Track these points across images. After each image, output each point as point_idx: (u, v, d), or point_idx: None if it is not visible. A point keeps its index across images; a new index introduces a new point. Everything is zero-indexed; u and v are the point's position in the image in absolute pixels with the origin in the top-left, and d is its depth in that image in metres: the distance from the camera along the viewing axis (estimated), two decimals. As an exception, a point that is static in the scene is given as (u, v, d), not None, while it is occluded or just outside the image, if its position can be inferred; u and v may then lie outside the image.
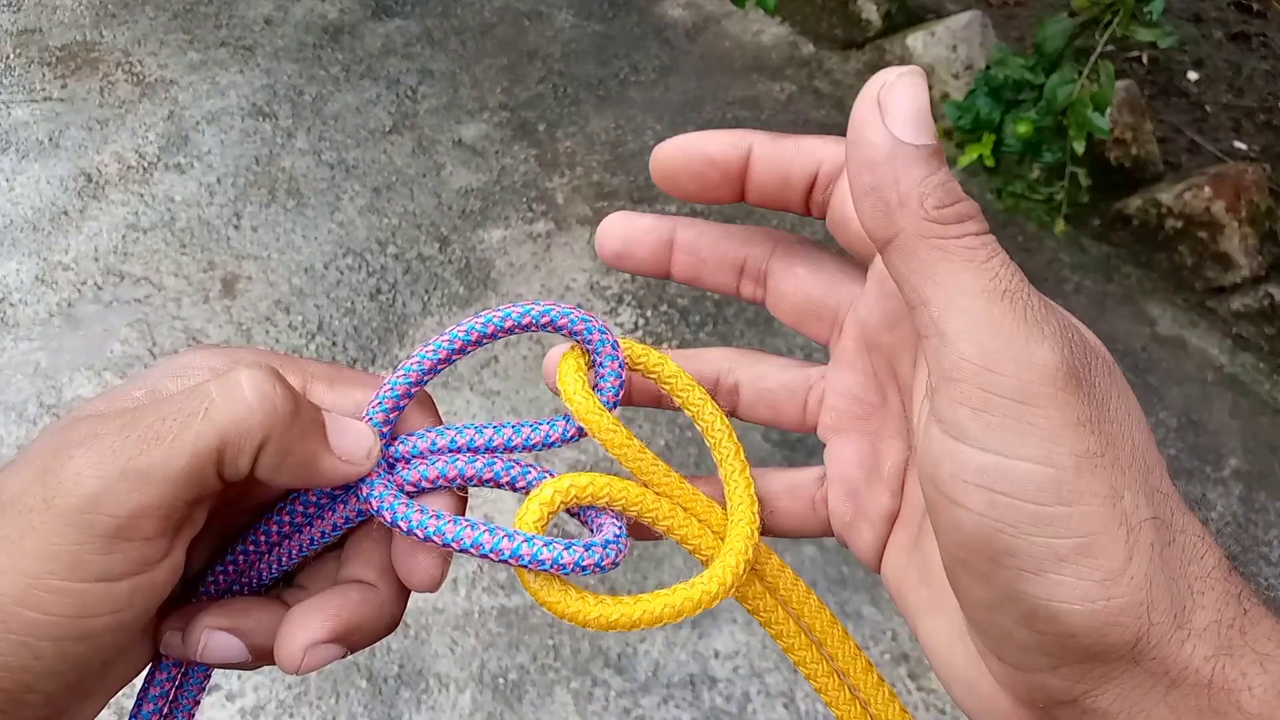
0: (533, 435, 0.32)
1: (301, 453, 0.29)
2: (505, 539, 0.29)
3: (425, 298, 1.73)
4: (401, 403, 0.32)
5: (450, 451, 0.32)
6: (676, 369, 0.33)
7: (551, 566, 0.29)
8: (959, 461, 0.25)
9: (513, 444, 0.32)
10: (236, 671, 1.29)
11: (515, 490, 0.32)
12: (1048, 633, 0.24)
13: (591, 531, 0.32)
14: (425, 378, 0.32)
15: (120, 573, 0.26)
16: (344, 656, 0.31)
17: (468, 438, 0.32)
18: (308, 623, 0.30)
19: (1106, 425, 0.25)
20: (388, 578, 0.32)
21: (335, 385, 0.32)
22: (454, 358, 0.32)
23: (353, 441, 0.30)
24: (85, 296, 1.71)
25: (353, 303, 1.72)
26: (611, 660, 1.32)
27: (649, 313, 1.72)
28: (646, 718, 1.27)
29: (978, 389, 0.24)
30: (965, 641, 0.29)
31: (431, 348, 0.32)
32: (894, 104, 0.26)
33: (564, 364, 0.32)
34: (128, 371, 1.60)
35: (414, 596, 1.21)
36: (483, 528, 0.30)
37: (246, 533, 0.32)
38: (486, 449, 0.32)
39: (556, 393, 0.32)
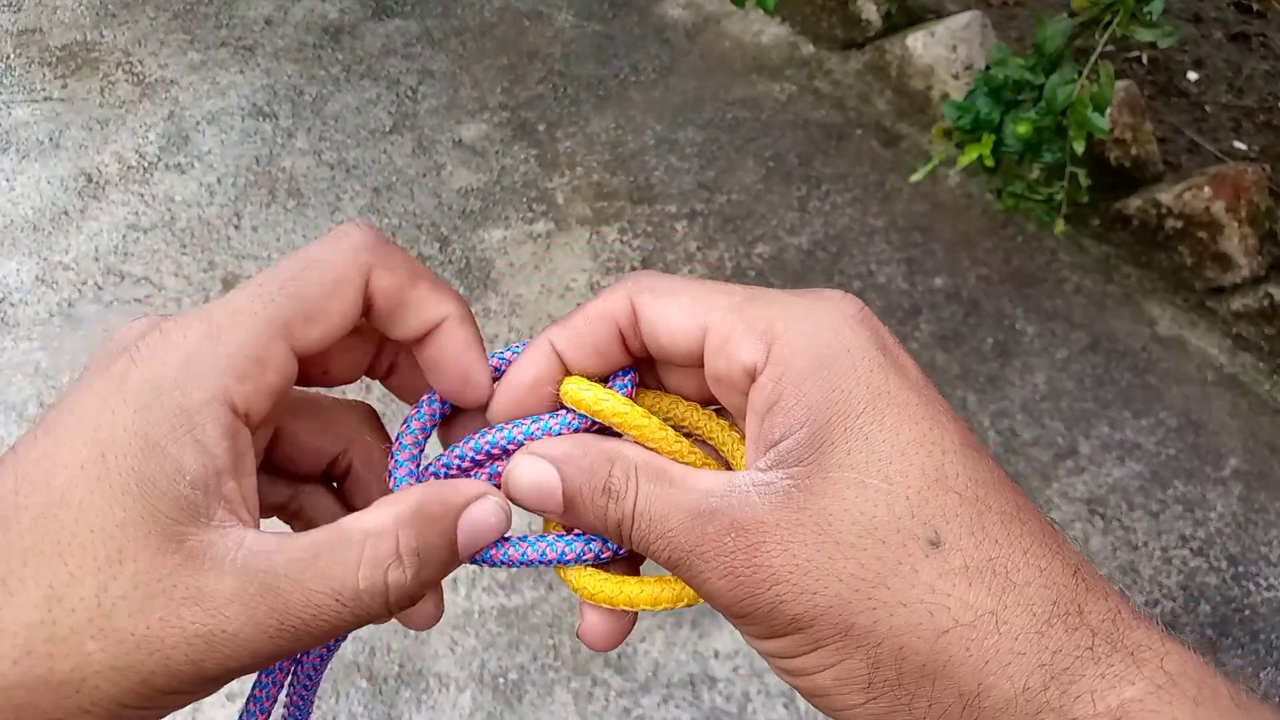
0: (542, 428, 0.33)
1: (428, 584, 0.31)
2: (544, 545, 0.33)
3: (425, 298, 1.73)
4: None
5: (480, 458, 0.33)
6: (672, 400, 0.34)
7: (583, 557, 0.32)
8: (752, 631, 0.29)
9: (522, 439, 0.33)
10: (237, 671, 1.29)
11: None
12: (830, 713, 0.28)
13: None
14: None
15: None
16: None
17: (488, 439, 0.33)
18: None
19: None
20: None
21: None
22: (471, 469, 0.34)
23: (484, 535, 0.33)
24: (85, 296, 1.71)
25: (353, 303, 1.72)
26: (611, 660, 1.32)
27: (649, 313, 1.72)
28: (646, 717, 1.27)
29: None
30: None
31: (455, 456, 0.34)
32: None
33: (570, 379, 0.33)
34: (128, 371, 1.60)
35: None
36: (515, 542, 0.33)
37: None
38: (505, 447, 0.33)
39: (571, 404, 0.33)
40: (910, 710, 0.26)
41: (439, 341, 0.32)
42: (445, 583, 1.37)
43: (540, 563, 0.33)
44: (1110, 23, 1.39)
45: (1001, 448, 1.58)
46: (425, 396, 0.34)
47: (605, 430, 0.33)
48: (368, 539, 0.28)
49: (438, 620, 0.33)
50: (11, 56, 2.14)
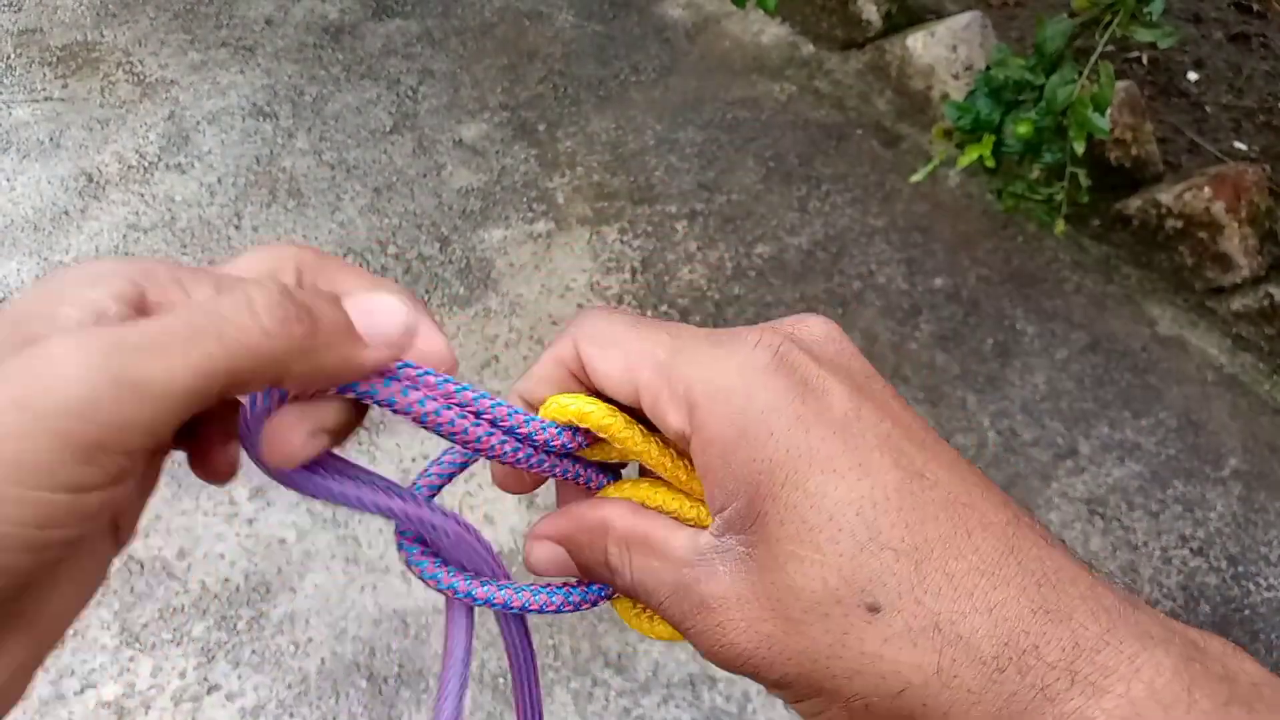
0: (538, 431, 0.32)
1: (333, 361, 0.27)
2: (530, 594, 0.33)
3: (425, 297, 1.73)
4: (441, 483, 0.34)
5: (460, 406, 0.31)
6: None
7: (592, 604, 0.33)
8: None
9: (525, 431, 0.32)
10: (236, 671, 1.29)
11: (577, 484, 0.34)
12: None
13: None
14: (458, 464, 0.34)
15: (92, 484, 0.23)
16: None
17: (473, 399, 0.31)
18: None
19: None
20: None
21: (320, 277, 0.30)
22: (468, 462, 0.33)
23: (385, 321, 0.29)
24: (86, 296, 1.71)
25: (353, 303, 1.72)
26: (612, 660, 1.32)
27: (649, 313, 1.72)
28: (647, 717, 1.27)
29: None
30: None
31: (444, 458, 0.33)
32: None
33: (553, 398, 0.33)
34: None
35: (415, 596, 1.20)
36: (509, 588, 0.33)
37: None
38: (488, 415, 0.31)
39: (556, 417, 0.32)
40: None
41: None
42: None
43: (553, 611, 0.34)
44: (1110, 23, 1.39)
45: (1001, 448, 1.58)
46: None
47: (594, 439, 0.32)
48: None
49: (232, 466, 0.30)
50: (12, 56, 2.14)
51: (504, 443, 0.31)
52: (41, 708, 1.25)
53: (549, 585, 0.33)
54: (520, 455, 0.32)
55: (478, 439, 0.31)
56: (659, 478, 0.33)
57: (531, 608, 0.33)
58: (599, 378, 0.31)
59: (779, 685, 0.28)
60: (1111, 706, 0.25)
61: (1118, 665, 0.25)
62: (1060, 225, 1.54)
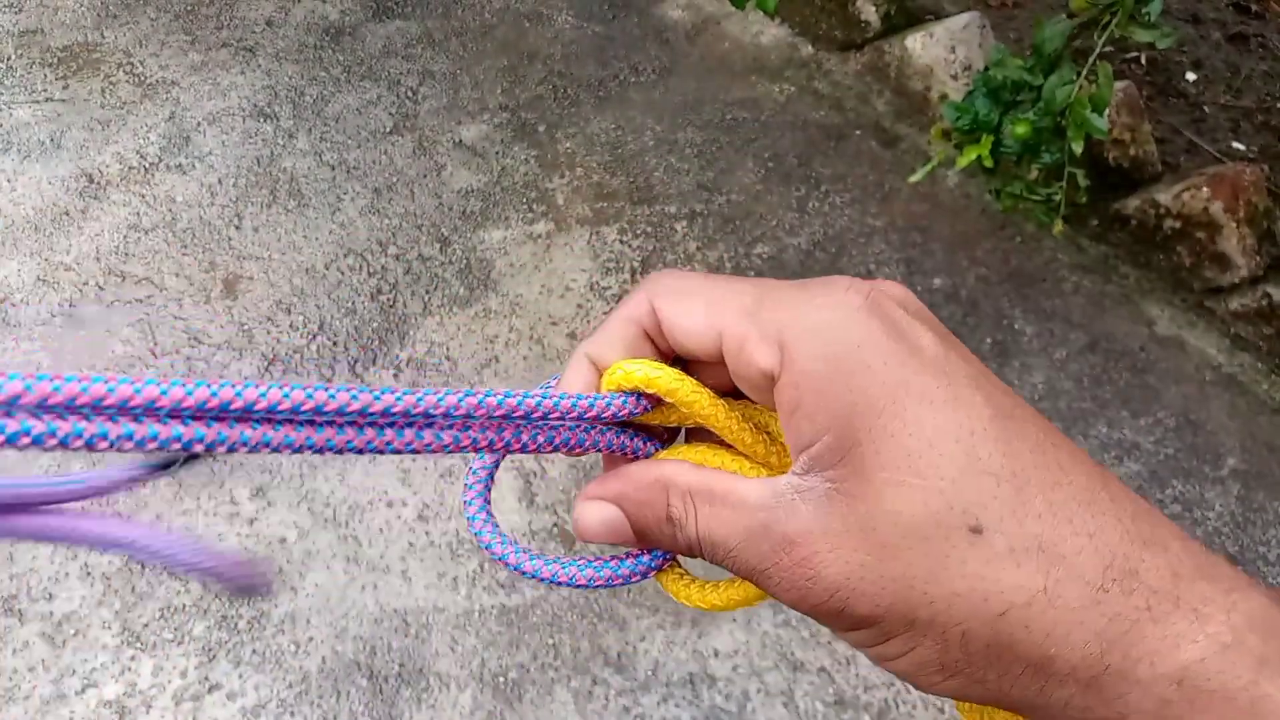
0: (602, 407, 0.32)
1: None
2: (602, 570, 0.33)
3: (426, 298, 1.73)
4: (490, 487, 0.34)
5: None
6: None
7: (644, 576, 0.33)
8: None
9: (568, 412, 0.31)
10: (237, 670, 1.30)
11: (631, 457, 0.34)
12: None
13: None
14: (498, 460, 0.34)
15: None
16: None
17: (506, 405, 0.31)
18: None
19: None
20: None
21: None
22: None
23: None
24: (87, 297, 1.72)
25: (354, 303, 1.72)
26: (611, 659, 1.32)
27: (649, 313, 1.73)
28: (646, 716, 1.28)
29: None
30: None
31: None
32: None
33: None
34: (129, 371, 1.61)
35: (415, 595, 1.21)
36: (567, 562, 0.33)
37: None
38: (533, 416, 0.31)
39: (620, 384, 0.32)
40: (984, 684, 0.27)
41: None
42: (445, 581, 1.36)
43: (604, 585, 0.33)
44: (1109, 24, 1.40)
45: (1000, 447, 1.58)
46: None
47: (659, 406, 0.33)
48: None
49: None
50: (13, 57, 2.15)
51: (545, 430, 0.31)
52: (43, 707, 1.25)
53: (599, 558, 0.33)
54: (571, 439, 0.32)
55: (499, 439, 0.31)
56: (719, 442, 0.32)
57: (579, 582, 0.32)
58: (678, 330, 0.31)
59: (868, 621, 0.27)
60: (1214, 631, 0.25)
61: (1215, 595, 0.25)
62: (1059, 225, 1.54)
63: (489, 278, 1.77)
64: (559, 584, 0.32)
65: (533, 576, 0.33)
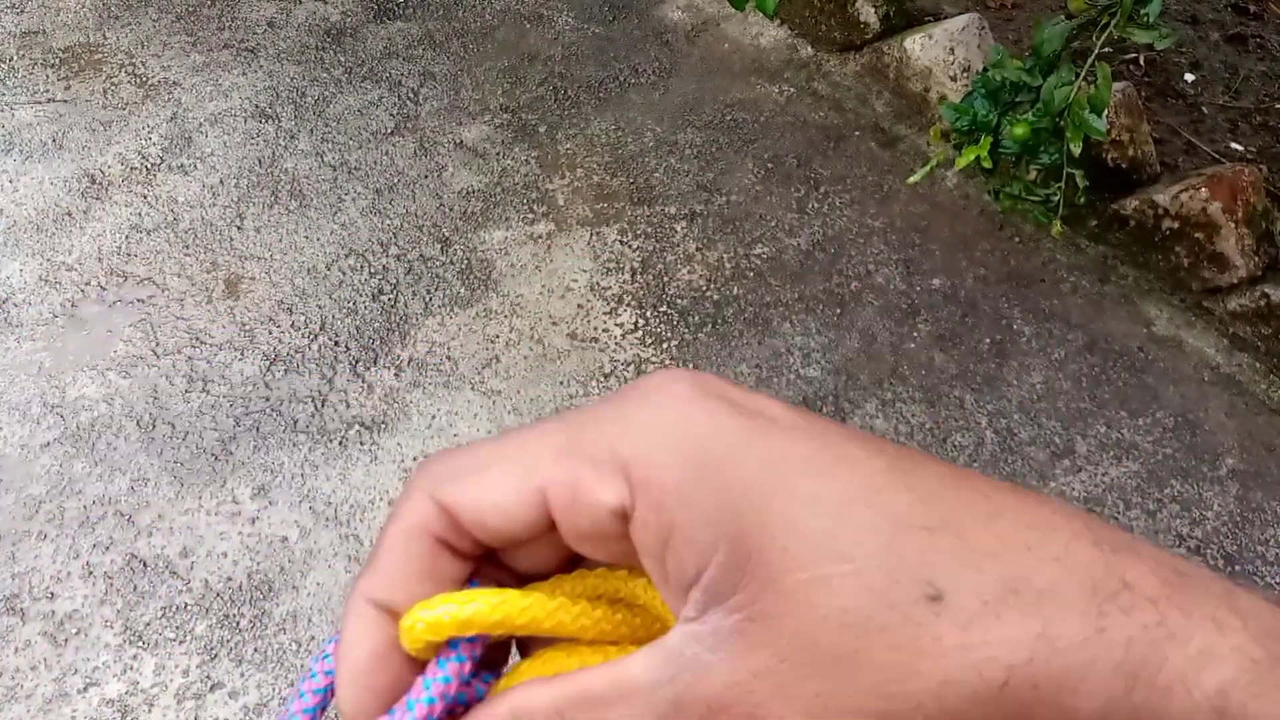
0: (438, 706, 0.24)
1: None
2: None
3: (427, 298, 1.74)
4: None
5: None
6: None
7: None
8: None
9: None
10: (239, 669, 1.30)
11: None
12: None
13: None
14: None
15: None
16: None
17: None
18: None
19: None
20: None
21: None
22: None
23: None
24: (89, 297, 1.72)
25: (355, 303, 1.73)
26: (612, 657, 1.33)
27: (649, 313, 1.73)
28: (646, 714, 1.28)
29: None
30: None
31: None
32: None
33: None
34: (131, 371, 1.62)
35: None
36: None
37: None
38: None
39: (429, 641, 0.25)
40: None
41: None
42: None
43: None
44: (1107, 25, 1.40)
45: (999, 447, 1.59)
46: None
47: (493, 646, 0.26)
48: None
49: None
50: (15, 58, 2.15)
51: None
52: (45, 706, 1.26)
53: None
54: None
55: None
56: (564, 641, 0.26)
57: None
58: (486, 514, 0.24)
59: None
60: (1239, 644, 0.21)
61: (1217, 599, 0.22)
62: (1057, 226, 1.55)
63: (490, 278, 1.78)
64: None
65: None
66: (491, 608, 0.24)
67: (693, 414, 0.23)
